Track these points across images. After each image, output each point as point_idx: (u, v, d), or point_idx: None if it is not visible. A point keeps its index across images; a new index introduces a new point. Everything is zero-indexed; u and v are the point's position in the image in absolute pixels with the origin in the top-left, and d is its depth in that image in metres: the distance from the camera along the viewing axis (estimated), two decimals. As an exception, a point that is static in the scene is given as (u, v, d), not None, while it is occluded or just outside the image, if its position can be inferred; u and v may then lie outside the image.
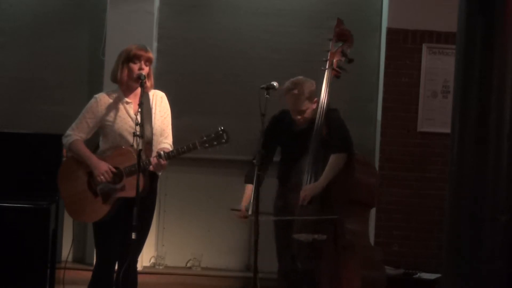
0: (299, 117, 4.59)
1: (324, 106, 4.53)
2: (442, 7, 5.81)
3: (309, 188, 4.44)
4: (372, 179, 4.63)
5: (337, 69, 4.64)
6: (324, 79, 4.61)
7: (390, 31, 5.99)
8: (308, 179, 4.46)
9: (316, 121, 4.51)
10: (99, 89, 5.74)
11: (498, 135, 2.75)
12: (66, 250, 5.38)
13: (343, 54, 4.66)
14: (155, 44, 6.10)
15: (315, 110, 4.57)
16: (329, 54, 4.65)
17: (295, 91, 4.55)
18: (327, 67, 4.63)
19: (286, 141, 4.69)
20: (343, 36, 4.69)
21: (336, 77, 4.64)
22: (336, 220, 4.44)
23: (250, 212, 4.08)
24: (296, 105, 4.56)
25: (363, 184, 4.57)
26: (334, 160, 4.48)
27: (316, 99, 4.60)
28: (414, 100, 5.99)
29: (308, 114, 4.59)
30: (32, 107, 6.14)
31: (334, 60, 4.63)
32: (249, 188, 4.59)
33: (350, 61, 4.69)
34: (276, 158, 4.85)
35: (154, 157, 4.11)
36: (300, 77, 4.66)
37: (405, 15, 5.98)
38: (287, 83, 4.62)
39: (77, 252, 6.09)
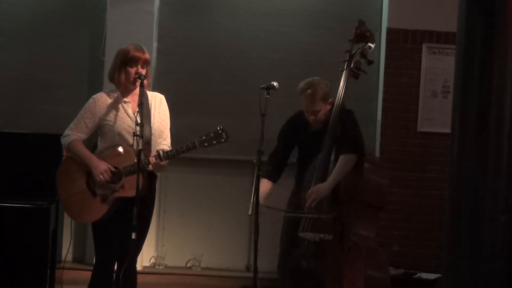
0: (312, 117, 4.60)
1: (339, 106, 4.54)
2: (442, 7, 5.81)
3: (315, 191, 4.43)
4: (382, 180, 4.61)
5: (355, 70, 4.63)
6: (341, 79, 4.61)
7: (390, 31, 5.99)
8: (316, 178, 4.47)
9: (331, 121, 4.52)
10: (99, 89, 5.73)
11: (498, 135, 2.75)
12: (66, 250, 5.38)
13: (363, 55, 4.65)
14: (155, 44, 6.10)
15: (330, 111, 4.58)
16: (348, 55, 4.65)
17: (309, 91, 4.58)
18: (345, 67, 4.62)
19: (301, 141, 4.74)
20: (364, 38, 4.67)
21: (354, 78, 4.64)
22: (343, 220, 4.44)
23: (250, 212, 4.07)
24: (310, 105, 4.59)
25: (372, 186, 4.55)
26: (343, 161, 4.48)
27: (330, 99, 4.62)
28: (414, 100, 5.99)
29: (322, 115, 4.61)
30: (32, 107, 6.13)
31: (353, 61, 4.63)
32: (264, 183, 4.62)
33: (370, 62, 4.68)
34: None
35: (153, 156, 4.11)
36: (315, 77, 4.70)
37: (405, 15, 5.98)
38: (302, 83, 4.66)
39: (77, 252, 6.09)
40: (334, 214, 4.41)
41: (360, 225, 4.51)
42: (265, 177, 4.67)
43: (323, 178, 4.45)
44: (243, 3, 6.19)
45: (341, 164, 4.47)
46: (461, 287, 2.82)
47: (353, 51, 4.63)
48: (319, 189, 4.43)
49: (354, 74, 4.63)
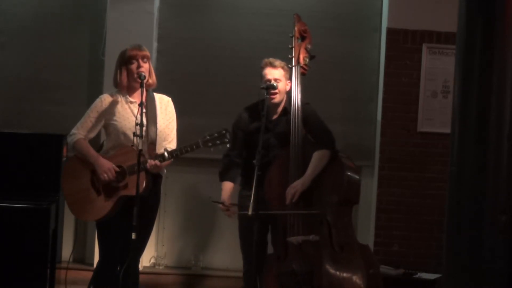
0: (277, 90, 4.50)
1: (298, 104, 4.52)
2: (442, 7, 5.81)
3: (295, 185, 4.42)
4: (357, 175, 4.61)
5: (304, 66, 4.66)
6: (293, 76, 4.60)
7: (390, 31, 5.99)
8: (294, 177, 4.46)
9: (292, 119, 4.50)
10: (99, 89, 5.74)
11: (498, 135, 2.76)
12: (66, 250, 5.38)
13: (307, 51, 4.69)
14: (155, 44, 6.10)
15: (289, 102, 4.56)
16: (293, 51, 4.66)
17: (277, 63, 4.55)
18: (294, 64, 4.63)
19: (254, 133, 4.55)
20: (303, 33, 4.73)
21: (303, 74, 4.66)
22: (329, 219, 4.43)
23: (250, 212, 4.07)
24: (275, 72, 4.53)
25: (351, 182, 4.55)
26: (319, 157, 4.47)
27: (289, 81, 4.59)
28: (414, 100, 5.99)
29: (283, 93, 4.56)
30: (32, 107, 6.13)
31: (301, 57, 4.65)
32: (226, 185, 4.74)
33: (311, 57, 4.73)
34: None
35: (150, 158, 4.13)
36: None
37: (405, 15, 5.98)
38: (265, 59, 4.59)
39: (77, 252, 6.08)
40: (322, 212, 4.41)
41: (345, 223, 4.51)
42: (226, 179, 4.77)
43: (300, 175, 4.45)
44: (243, 3, 6.19)
45: (318, 160, 4.47)
46: (461, 287, 2.82)
47: (298, 47, 4.66)
48: (299, 184, 4.41)
49: (303, 71, 4.66)
